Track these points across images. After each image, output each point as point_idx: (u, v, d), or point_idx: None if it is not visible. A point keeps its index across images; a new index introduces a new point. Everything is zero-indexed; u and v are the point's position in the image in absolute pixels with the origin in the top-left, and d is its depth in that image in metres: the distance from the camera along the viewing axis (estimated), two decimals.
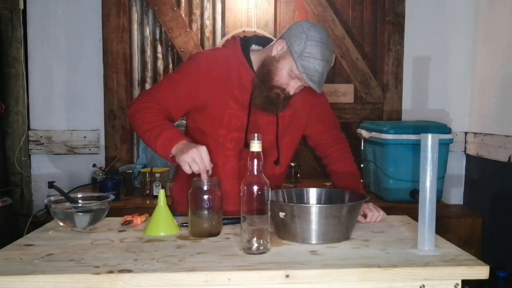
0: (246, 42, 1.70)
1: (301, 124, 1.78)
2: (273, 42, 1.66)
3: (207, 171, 1.45)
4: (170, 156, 1.49)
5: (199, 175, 1.45)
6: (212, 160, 1.49)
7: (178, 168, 1.77)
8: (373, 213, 1.61)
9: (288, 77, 1.58)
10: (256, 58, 1.66)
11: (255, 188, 1.27)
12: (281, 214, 1.36)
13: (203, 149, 1.45)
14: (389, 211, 1.71)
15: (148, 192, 2.70)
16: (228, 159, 1.67)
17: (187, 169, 1.45)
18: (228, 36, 3.08)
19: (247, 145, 1.65)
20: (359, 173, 1.85)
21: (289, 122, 1.73)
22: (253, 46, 1.72)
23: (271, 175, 1.63)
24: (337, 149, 1.83)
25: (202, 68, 1.63)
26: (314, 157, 3.09)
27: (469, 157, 3.13)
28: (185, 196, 1.49)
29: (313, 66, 1.51)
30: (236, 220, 1.51)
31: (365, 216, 1.61)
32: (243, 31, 3.09)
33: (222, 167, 1.66)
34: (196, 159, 1.43)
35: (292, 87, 1.59)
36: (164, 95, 1.61)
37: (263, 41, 1.73)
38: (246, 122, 1.65)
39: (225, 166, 1.67)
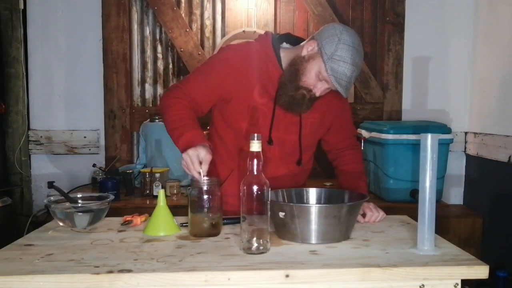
0: (277, 39, 1.70)
1: (324, 129, 1.79)
2: (304, 42, 1.65)
3: (199, 173, 1.44)
4: None
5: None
6: (229, 153, 1.56)
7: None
8: (373, 213, 1.62)
9: (316, 78, 1.56)
10: (285, 56, 1.66)
11: (255, 188, 1.27)
12: (281, 214, 1.36)
13: (205, 155, 1.45)
14: (389, 211, 1.71)
15: (148, 192, 2.70)
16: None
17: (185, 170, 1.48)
18: (228, 37, 3.09)
19: (271, 141, 1.67)
20: (364, 174, 1.86)
21: (313, 125, 1.73)
22: (284, 44, 1.71)
23: (294, 175, 1.68)
24: (349, 153, 1.85)
25: (231, 60, 1.64)
26: (314, 157, 3.08)
27: (469, 157, 3.13)
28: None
29: (342, 70, 1.50)
30: (236, 220, 1.51)
31: (364, 215, 1.62)
32: (243, 31, 3.09)
33: (244, 162, 1.66)
34: (188, 163, 1.45)
35: (319, 89, 1.58)
36: (193, 88, 1.63)
37: (295, 40, 1.72)
38: (270, 119, 1.66)
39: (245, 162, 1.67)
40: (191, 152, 1.44)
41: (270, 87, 1.64)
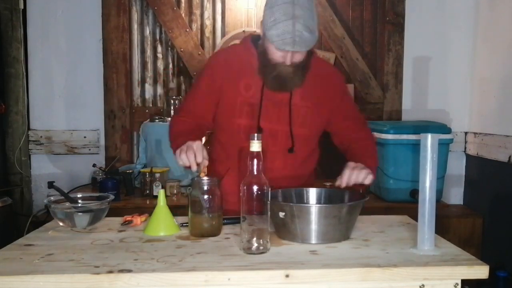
0: (258, 36, 1.72)
1: (320, 118, 1.76)
2: None
3: (198, 165, 1.49)
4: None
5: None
6: (225, 152, 1.59)
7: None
8: (352, 173, 1.54)
9: (276, 50, 1.56)
10: None
11: (255, 188, 1.27)
12: (281, 214, 1.36)
13: (196, 143, 1.51)
14: (389, 211, 1.72)
15: (148, 192, 2.70)
16: (243, 150, 1.67)
17: (179, 163, 1.52)
18: (228, 37, 3.09)
19: (260, 129, 1.67)
20: (376, 153, 1.77)
21: (306, 114, 1.72)
22: None
23: (291, 167, 1.70)
24: (359, 138, 1.79)
25: (216, 63, 1.73)
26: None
27: (469, 157, 3.13)
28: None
29: (281, 31, 1.49)
30: (236, 220, 1.51)
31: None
32: (243, 31, 3.09)
33: (239, 159, 1.69)
34: (186, 150, 1.49)
35: (285, 57, 1.57)
36: (192, 105, 1.74)
37: None
38: (257, 109, 1.68)
39: (241, 158, 1.68)
40: (184, 145, 1.51)
41: (256, 80, 1.67)
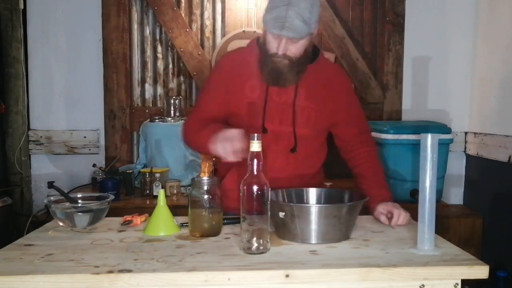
0: None
1: (324, 119, 1.76)
2: None
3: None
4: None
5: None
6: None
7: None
8: (400, 213, 1.57)
9: (271, 39, 1.58)
10: None
11: (255, 188, 1.27)
12: (281, 214, 1.36)
13: (232, 130, 1.51)
14: None
15: (148, 192, 2.70)
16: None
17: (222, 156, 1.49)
18: (228, 37, 3.09)
19: (265, 130, 1.69)
20: (383, 174, 1.78)
21: (310, 114, 1.72)
22: None
23: (285, 163, 1.70)
24: (364, 151, 1.78)
25: (222, 66, 1.76)
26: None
27: (469, 157, 3.13)
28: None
29: (275, 15, 1.51)
30: (236, 220, 1.51)
31: (390, 218, 1.58)
32: (243, 31, 3.09)
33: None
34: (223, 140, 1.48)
35: (277, 46, 1.57)
36: (202, 107, 1.77)
37: None
38: (262, 110, 1.68)
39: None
40: (219, 142, 1.48)
41: (262, 81, 1.68)
